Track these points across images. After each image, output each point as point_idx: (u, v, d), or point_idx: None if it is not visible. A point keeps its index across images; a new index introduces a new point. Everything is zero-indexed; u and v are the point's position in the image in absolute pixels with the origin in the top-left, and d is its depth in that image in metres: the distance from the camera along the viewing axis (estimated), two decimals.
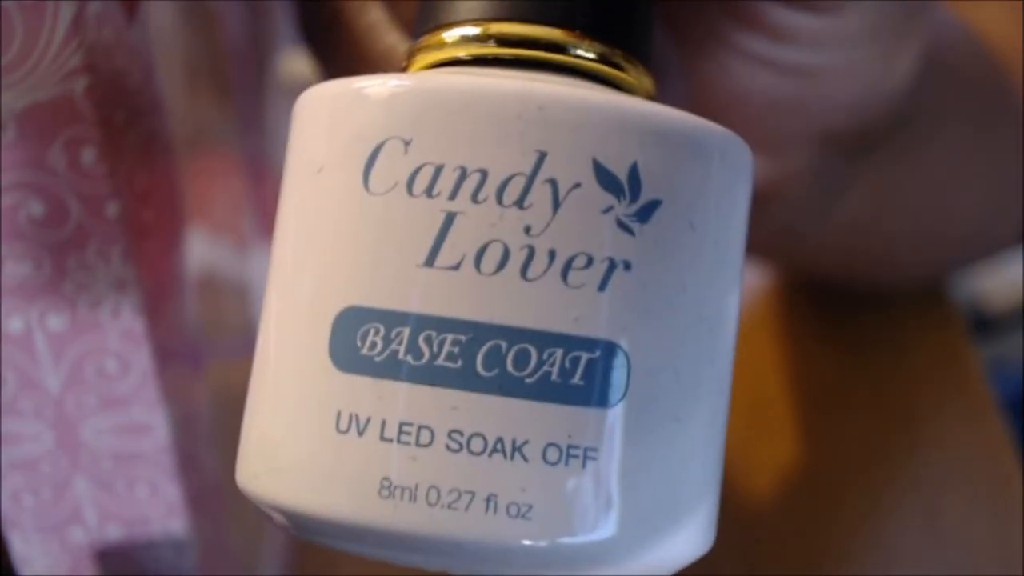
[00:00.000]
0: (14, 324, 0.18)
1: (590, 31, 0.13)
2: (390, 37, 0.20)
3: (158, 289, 0.19)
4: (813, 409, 0.33)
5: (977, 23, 0.31)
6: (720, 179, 0.12)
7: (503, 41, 0.13)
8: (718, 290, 0.12)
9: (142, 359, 0.19)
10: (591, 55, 0.13)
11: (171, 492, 0.20)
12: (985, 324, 0.53)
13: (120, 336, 0.19)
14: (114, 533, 0.20)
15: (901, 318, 0.36)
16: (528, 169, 0.11)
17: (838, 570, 0.28)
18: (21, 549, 0.20)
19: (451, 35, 0.13)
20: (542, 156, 0.11)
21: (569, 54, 0.13)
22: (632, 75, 0.13)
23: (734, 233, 0.13)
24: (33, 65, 0.17)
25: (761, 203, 0.26)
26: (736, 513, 0.30)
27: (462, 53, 0.13)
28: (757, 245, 0.30)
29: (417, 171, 0.11)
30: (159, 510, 0.20)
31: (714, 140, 0.12)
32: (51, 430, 0.19)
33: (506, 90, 0.11)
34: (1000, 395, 0.34)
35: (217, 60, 0.26)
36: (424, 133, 0.11)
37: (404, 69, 0.14)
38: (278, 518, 0.13)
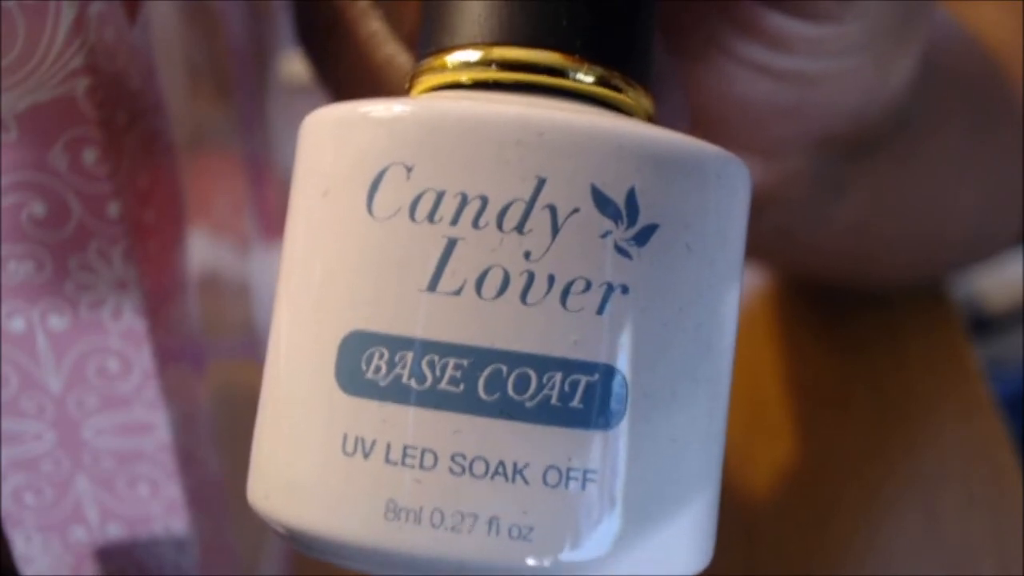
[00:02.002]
0: (16, 324, 0.18)
1: (589, 54, 0.13)
2: (389, 47, 0.21)
3: (159, 289, 0.19)
4: (811, 409, 0.33)
5: (975, 25, 0.31)
6: (717, 200, 0.12)
7: (504, 65, 0.13)
8: (716, 310, 0.12)
9: (143, 359, 0.19)
10: (590, 78, 0.13)
11: (172, 491, 0.20)
12: (984, 324, 0.53)
13: (121, 336, 0.19)
14: (115, 532, 0.20)
15: (900, 318, 0.36)
16: (527, 195, 0.11)
17: (836, 569, 0.28)
18: (23, 548, 0.20)
19: (453, 59, 0.13)
20: (541, 182, 0.11)
21: (568, 78, 0.13)
22: (631, 96, 0.14)
23: (731, 253, 0.13)
24: (35, 66, 0.17)
25: (760, 205, 0.26)
26: (735, 513, 0.30)
27: (463, 77, 0.13)
28: (756, 247, 0.30)
29: (419, 197, 0.12)
30: (160, 509, 0.20)
31: (711, 162, 0.12)
32: (52, 429, 0.19)
33: (506, 116, 0.11)
34: (998, 395, 0.34)
35: (217, 60, 0.26)
36: (426, 159, 0.11)
37: (407, 91, 0.15)
38: (286, 537, 0.13)
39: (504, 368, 0.11)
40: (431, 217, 0.11)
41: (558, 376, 0.11)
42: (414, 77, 0.14)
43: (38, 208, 0.18)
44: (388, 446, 0.11)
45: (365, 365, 0.12)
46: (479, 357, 0.11)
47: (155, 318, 0.19)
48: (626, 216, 0.11)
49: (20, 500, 0.20)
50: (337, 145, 0.12)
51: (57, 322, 0.19)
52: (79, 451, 0.20)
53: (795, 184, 0.27)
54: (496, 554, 0.11)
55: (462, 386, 0.11)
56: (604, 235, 0.11)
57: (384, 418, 0.11)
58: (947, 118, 0.29)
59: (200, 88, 0.24)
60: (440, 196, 0.11)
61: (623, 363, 0.11)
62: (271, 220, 0.31)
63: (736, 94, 0.22)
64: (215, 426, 0.22)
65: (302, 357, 0.12)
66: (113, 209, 0.18)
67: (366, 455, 0.12)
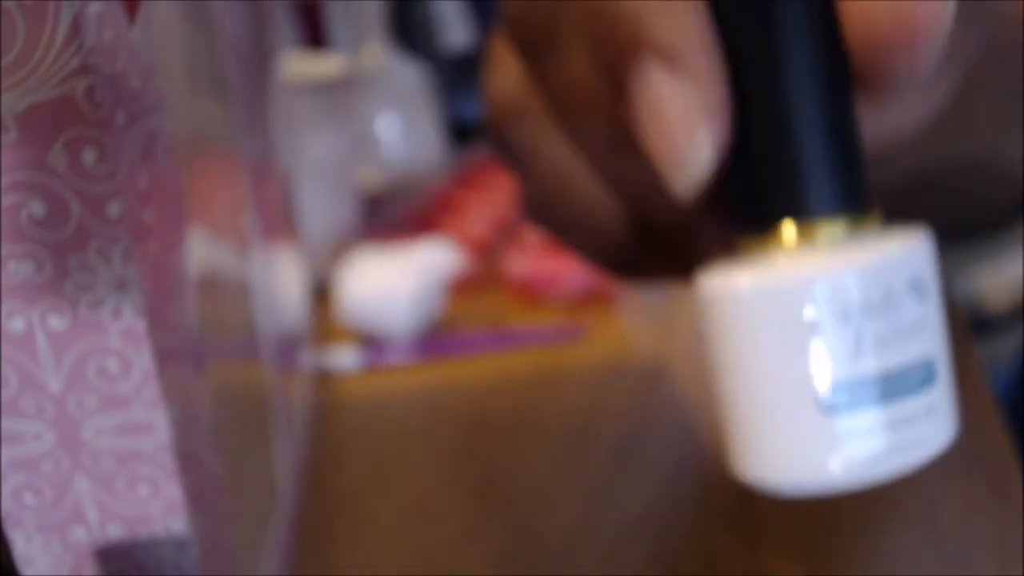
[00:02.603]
0: (16, 324, 0.18)
1: (855, 205, 0.21)
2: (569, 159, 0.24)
3: (159, 289, 0.19)
4: None
5: None
6: (933, 265, 0.22)
7: (816, 236, 0.21)
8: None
9: (143, 359, 0.19)
10: (860, 224, 0.21)
11: (172, 491, 0.20)
12: (984, 324, 0.53)
13: (121, 336, 0.19)
14: (115, 532, 0.20)
15: None
16: (888, 295, 0.21)
17: (839, 570, 0.28)
18: (23, 548, 0.20)
19: (789, 233, 0.21)
20: (891, 286, 0.21)
21: (851, 228, 0.21)
22: (877, 218, 0.22)
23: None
24: (34, 66, 0.17)
25: None
26: (736, 513, 0.30)
27: (801, 242, 0.21)
28: None
29: (840, 311, 0.21)
30: (160, 509, 0.20)
31: (928, 244, 0.22)
32: (52, 429, 0.19)
33: (885, 262, 0.21)
34: (998, 394, 0.34)
35: (217, 60, 0.26)
36: (842, 296, 0.21)
37: (741, 249, 0.22)
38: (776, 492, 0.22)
39: (903, 375, 0.21)
40: (845, 321, 0.21)
41: (923, 367, 0.21)
42: (748, 241, 0.22)
43: (38, 208, 0.18)
44: (856, 429, 0.21)
45: (832, 399, 0.21)
46: (883, 376, 0.21)
47: (155, 318, 0.19)
48: (921, 292, 0.21)
49: (20, 500, 0.20)
50: (776, 303, 0.21)
51: (57, 322, 0.19)
52: (79, 451, 0.20)
53: None
54: (909, 458, 0.21)
55: (879, 389, 0.21)
56: (915, 302, 0.21)
57: (850, 420, 0.21)
58: (990, 82, 0.29)
59: (199, 88, 0.24)
60: (847, 312, 0.21)
61: (936, 354, 0.21)
62: (271, 220, 0.31)
63: None
64: (215, 426, 0.23)
65: (790, 402, 0.21)
66: (113, 209, 0.18)
67: (848, 436, 0.21)
